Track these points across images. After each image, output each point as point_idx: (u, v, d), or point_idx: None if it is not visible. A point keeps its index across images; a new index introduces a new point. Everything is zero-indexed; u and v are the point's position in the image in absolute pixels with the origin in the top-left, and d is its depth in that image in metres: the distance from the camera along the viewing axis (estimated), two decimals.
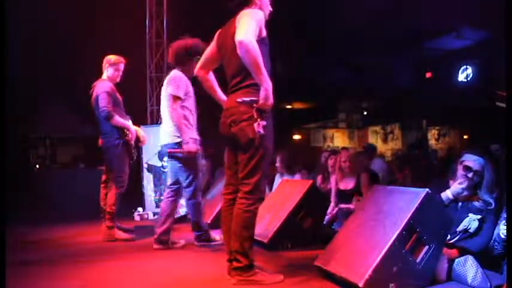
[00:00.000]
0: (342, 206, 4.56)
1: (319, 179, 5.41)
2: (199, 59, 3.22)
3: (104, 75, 4.60)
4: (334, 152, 8.24)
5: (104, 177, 4.83)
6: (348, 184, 4.64)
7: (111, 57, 4.62)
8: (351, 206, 4.42)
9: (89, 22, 6.14)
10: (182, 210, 5.70)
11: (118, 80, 4.63)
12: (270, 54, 2.80)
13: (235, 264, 2.74)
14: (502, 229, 2.81)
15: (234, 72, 2.80)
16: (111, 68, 4.57)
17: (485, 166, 3.06)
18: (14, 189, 5.52)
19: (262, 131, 2.64)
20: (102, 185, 4.83)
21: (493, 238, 2.89)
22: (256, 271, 2.75)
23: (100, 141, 4.59)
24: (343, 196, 4.65)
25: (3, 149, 2.77)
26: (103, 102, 4.29)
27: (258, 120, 2.64)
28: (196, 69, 3.12)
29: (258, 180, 2.74)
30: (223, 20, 2.94)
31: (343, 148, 6.49)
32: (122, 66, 4.63)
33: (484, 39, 8.46)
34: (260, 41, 2.66)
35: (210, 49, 3.05)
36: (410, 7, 6.69)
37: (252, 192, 2.74)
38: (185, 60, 3.90)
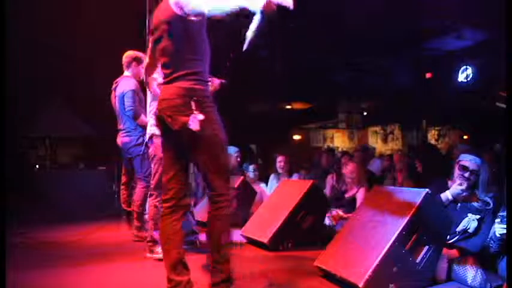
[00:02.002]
0: (334, 212, 4.55)
1: (332, 179, 5.35)
2: None
3: (127, 72, 4.43)
4: (332, 150, 8.28)
5: (124, 178, 4.70)
6: (350, 192, 4.72)
7: (135, 53, 4.42)
8: (339, 212, 4.50)
9: (89, 22, 6.14)
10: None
11: (141, 77, 4.46)
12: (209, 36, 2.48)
13: (221, 276, 2.41)
14: (497, 227, 2.81)
15: (167, 61, 2.48)
16: (137, 64, 4.39)
17: (481, 165, 3.09)
18: (14, 189, 5.52)
19: (197, 126, 2.30)
20: (122, 187, 4.74)
21: (489, 236, 2.91)
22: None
23: (121, 139, 4.41)
24: (343, 201, 4.70)
25: (3, 149, 2.77)
26: (130, 101, 4.19)
27: (195, 112, 2.31)
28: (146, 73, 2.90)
29: (224, 180, 2.44)
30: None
31: (345, 153, 6.55)
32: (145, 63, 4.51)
33: (484, 40, 8.45)
34: (200, 20, 2.37)
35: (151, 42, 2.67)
36: (410, 7, 6.68)
37: (222, 195, 2.43)
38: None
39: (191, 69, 2.38)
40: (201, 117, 2.30)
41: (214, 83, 3.52)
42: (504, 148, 5.32)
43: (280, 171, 5.92)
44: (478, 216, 2.98)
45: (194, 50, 2.41)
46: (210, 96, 2.46)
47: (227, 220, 2.45)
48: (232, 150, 6.33)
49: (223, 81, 3.50)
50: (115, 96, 4.41)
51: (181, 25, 2.36)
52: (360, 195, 4.56)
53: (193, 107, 2.32)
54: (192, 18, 2.35)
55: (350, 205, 4.59)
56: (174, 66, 2.42)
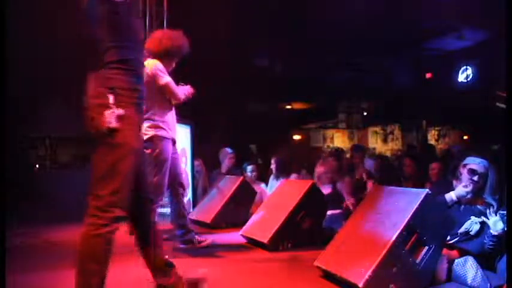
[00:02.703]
0: (329, 212, 4.55)
1: None
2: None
3: None
4: (338, 150, 8.28)
5: None
6: (325, 191, 4.70)
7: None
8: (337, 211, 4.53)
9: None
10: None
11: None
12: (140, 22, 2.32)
13: None
14: (491, 224, 2.82)
15: (98, 49, 2.20)
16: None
17: (489, 168, 3.09)
18: (14, 189, 5.52)
19: (114, 123, 2.02)
20: None
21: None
22: None
23: None
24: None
25: (3, 149, 2.76)
26: None
27: (113, 107, 2.02)
28: None
29: (112, 191, 2.06)
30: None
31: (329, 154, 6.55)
32: None
33: (484, 40, 8.47)
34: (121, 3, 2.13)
35: None
36: (410, 7, 6.69)
37: (104, 209, 2.05)
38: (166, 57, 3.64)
39: (115, 57, 2.11)
40: (120, 112, 2.03)
41: (187, 91, 3.61)
42: (504, 148, 5.32)
43: (275, 173, 5.96)
44: (481, 219, 2.97)
45: (119, 35, 2.14)
46: (136, 89, 2.15)
47: (104, 243, 2.12)
48: (229, 151, 6.39)
49: (192, 91, 3.60)
50: None
51: (101, 8, 2.12)
52: (347, 186, 4.69)
53: (111, 101, 2.02)
54: None
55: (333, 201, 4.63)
56: (102, 55, 2.14)
